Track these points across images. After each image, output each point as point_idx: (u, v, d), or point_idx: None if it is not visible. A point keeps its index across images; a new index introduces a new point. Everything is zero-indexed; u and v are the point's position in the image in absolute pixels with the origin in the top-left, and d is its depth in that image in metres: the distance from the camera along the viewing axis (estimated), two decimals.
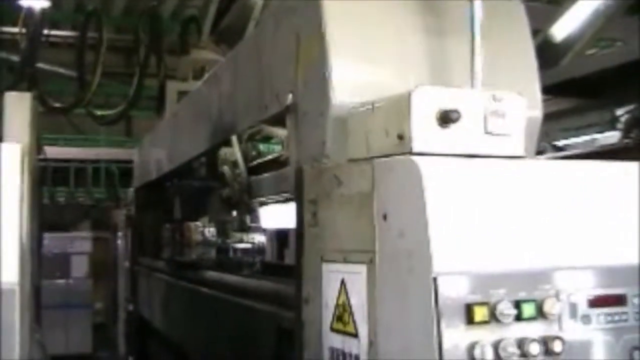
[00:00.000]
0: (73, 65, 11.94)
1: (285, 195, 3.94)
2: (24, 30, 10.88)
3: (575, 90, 3.08)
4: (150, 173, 7.04)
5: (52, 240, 12.84)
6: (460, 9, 2.73)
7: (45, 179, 14.59)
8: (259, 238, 4.58)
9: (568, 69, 3.09)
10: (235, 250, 4.68)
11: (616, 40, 4.23)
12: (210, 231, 5.05)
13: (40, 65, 11.45)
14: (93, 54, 9.72)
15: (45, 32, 11.56)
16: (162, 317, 6.55)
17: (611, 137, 4.14)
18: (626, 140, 3.86)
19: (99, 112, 10.43)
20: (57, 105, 9.99)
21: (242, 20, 6.37)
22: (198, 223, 5.30)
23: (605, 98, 3.89)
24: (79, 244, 15.14)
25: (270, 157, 4.73)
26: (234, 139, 4.45)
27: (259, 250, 4.54)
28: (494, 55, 2.83)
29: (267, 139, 4.68)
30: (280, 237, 4.75)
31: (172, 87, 7.15)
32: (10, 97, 2.70)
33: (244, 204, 4.56)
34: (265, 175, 4.32)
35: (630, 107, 3.96)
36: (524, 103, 2.38)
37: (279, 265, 4.40)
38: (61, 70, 14.51)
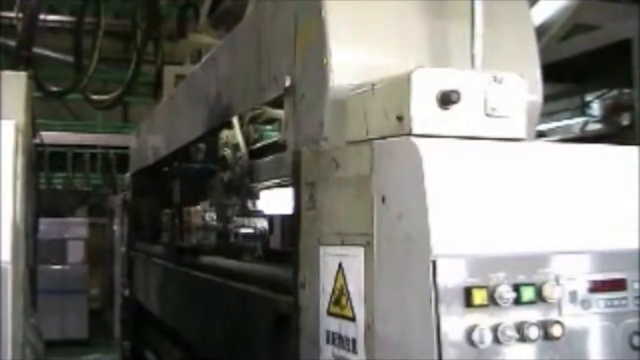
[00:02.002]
0: (71, 50, 11.90)
1: (286, 179, 3.91)
2: (20, 15, 10.82)
3: (548, 75, 3.08)
4: (147, 158, 7.02)
5: (48, 226, 12.78)
6: None
7: (42, 164, 14.54)
8: (261, 223, 4.53)
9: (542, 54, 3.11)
10: (236, 234, 4.64)
11: (591, 26, 4.22)
12: (210, 215, 5.01)
13: (38, 50, 11.40)
14: (90, 40, 9.68)
15: (43, 17, 11.49)
16: (158, 302, 6.54)
17: (577, 123, 4.15)
18: (600, 127, 3.87)
19: (95, 97, 10.38)
20: (54, 89, 9.93)
21: (240, 4, 6.32)
22: (197, 207, 5.28)
23: (576, 83, 3.90)
24: (75, 230, 15.11)
25: (272, 139, 4.69)
26: (235, 121, 4.40)
27: (260, 235, 4.50)
28: (495, 38, 2.82)
29: (270, 121, 4.63)
30: (282, 221, 4.69)
31: (170, 71, 7.12)
32: (5, 76, 2.67)
33: (246, 187, 4.52)
34: (266, 158, 4.29)
35: (602, 92, 3.96)
36: (525, 85, 2.35)
37: (281, 250, 4.36)
38: (58, 55, 14.44)
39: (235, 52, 4.04)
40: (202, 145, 5.55)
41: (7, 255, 1.96)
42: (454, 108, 2.22)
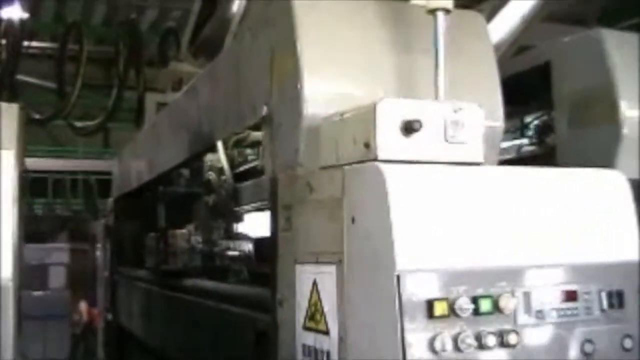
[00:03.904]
0: (52, 76, 12.02)
1: (265, 202, 4.05)
2: (3, 42, 10.95)
3: None
4: (129, 183, 7.15)
5: (30, 252, 12.84)
6: (426, 27, 2.87)
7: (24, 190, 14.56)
8: (244, 245, 4.64)
9: None
10: (220, 257, 4.75)
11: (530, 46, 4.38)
12: (194, 238, 5.12)
13: (19, 76, 11.53)
14: (72, 66, 9.79)
15: (25, 43, 11.62)
16: (142, 325, 6.64)
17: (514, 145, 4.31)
18: (533, 148, 4.05)
19: (78, 124, 10.50)
20: (37, 116, 10.07)
21: (220, 33, 6.50)
22: (181, 230, 5.39)
23: (515, 104, 4.09)
24: (56, 255, 15.18)
25: (255, 163, 4.79)
26: (220, 145, 4.54)
27: (243, 256, 4.61)
28: (458, 68, 3.02)
29: (254, 144, 4.75)
30: (263, 243, 4.82)
31: (151, 99, 7.29)
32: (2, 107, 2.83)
33: (230, 210, 4.64)
34: (249, 182, 4.45)
35: (539, 114, 4.14)
36: (481, 113, 2.54)
37: (262, 271, 4.51)
38: (39, 81, 14.56)
39: (216, 82, 4.21)
40: (185, 171, 5.68)
41: (8, 273, 2.12)
42: (416, 136, 2.41)
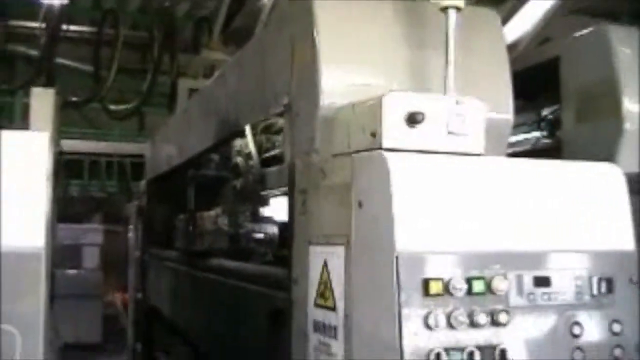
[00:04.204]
0: (88, 59, 12.28)
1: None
2: (43, 25, 11.21)
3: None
4: (161, 166, 7.38)
5: (64, 232, 13.09)
6: (440, 24, 3.01)
7: (59, 171, 14.84)
8: (269, 227, 4.81)
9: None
10: (246, 238, 4.93)
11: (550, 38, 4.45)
12: (221, 221, 5.30)
13: (57, 59, 11.78)
14: (108, 50, 10.01)
15: (64, 27, 11.86)
16: (169, 304, 6.88)
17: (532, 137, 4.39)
18: (547, 141, 4.15)
19: (112, 107, 10.75)
20: (73, 99, 10.34)
21: (250, 23, 6.70)
22: (209, 213, 5.57)
23: (530, 98, 4.19)
24: (90, 236, 15.38)
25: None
26: (248, 131, 4.72)
27: (267, 238, 4.77)
28: (470, 63, 3.17)
29: (281, 131, 4.88)
30: (284, 226, 4.98)
31: (184, 85, 7.51)
32: (36, 92, 3.04)
33: (256, 194, 4.82)
34: (274, 167, 4.62)
35: (552, 107, 4.22)
36: (483, 107, 2.71)
37: (283, 253, 4.70)
38: (76, 64, 14.85)
39: (242, 71, 4.40)
40: (214, 155, 5.86)
41: (41, 242, 2.32)
42: (419, 127, 2.58)
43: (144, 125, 19.93)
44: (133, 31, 15.54)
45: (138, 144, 16.33)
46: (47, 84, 9.52)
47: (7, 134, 2.28)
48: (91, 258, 15.15)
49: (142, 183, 9.40)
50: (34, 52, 12.74)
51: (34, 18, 12.46)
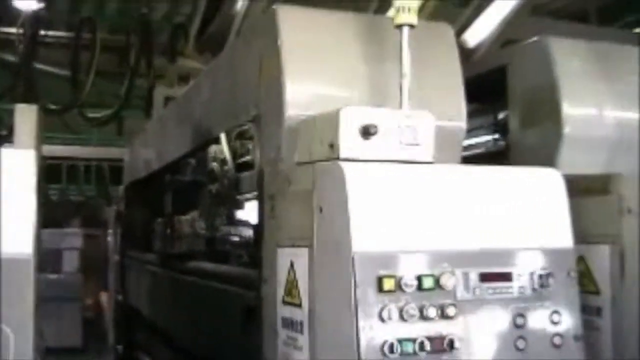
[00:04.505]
0: (64, 64, 12.39)
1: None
2: (21, 31, 11.31)
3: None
4: (139, 171, 7.56)
5: (44, 236, 13.15)
6: (397, 37, 3.26)
7: (41, 180, 14.90)
8: (243, 230, 5.02)
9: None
10: (221, 241, 5.13)
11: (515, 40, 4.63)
12: (197, 224, 5.49)
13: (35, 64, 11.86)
14: (85, 54, 10.11)
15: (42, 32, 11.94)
16: (149, 305, 7.06)
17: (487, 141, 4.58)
18: (503, 143, 4.36)
19: (91, 115, 10.86)
20: (53, 107, 10.47)
21: (224, 31, 6.90)
22: (185, 217, 5.77)
23: (488, 102, 4.39)
24: (70, 240, 15.47)
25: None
26: (223, 137, 4.92)
27: (242, 241, 4.98)
28: (426, 74, 3.41)
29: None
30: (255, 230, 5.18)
31: (160, 92, 7.71)
32: (20, 108, 3.26)
33: (231, 198, 4.98)
34: (247, 173, 4.83)
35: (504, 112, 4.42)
36: (432, 119, 2.95)
37: (254, 255, 4.91)
38: (53, 69, 14.92)
39: (216, 81, 4.62)
40: (190, 160, 6.06)
41: (30, 249, 2.54)
42: (373, 138, 2.82)
43: (123, 130, 20.02)
44: (110, 35, 15.67)
45: (117, 148, 16.46)
46: (27, 90, 9.64)
47: (4, 152, 2.51)
48: (71, 262, 15.25)
49: (121, 188, 9.57)
50: (11, 58, 12.86)
51: (10, 24, 12.57)
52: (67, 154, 17.56)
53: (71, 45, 11.17)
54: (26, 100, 9.76)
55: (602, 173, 3.51)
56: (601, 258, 3.32)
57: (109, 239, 11.99)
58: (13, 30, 12.69)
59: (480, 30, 5.33)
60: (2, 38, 14.12)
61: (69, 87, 11.29)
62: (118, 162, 14.41)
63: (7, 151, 2.57)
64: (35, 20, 10.73)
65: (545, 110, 3.87)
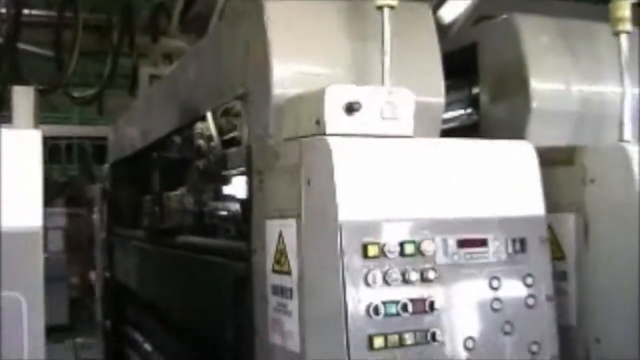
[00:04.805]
0: (44, 43, 12.35)
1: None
2: (3, 11, 11.26)
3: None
4: (125, 149, 7.70)
5: None
6: (378, 18, 3.40)
7: None
8: (229, 205, 5.19)
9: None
10: (208, 215, 5.29)
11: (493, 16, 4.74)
12: (186, 200, 5.63)
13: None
14: (66, 33, 10.08)
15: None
16: (137, 280, 7.21)
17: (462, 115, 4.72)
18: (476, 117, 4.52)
19: (75, 94, 10.88)
20: (39, 88, 10.46)
21: (208, 11, 7.01)
22: (173, 193, 5.90)
23: (464, 77, 4.50)
24: (54, 219, 15.50)
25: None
26: (209, 115, 5.07)
27: (227, 215, 5.14)
28: (406, 52, 3.57)
29: (240, 114, 5.12)
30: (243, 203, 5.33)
31: (145, 72, 7.84)
32: (18, 90, 3.42)
33: (218, 174, 5.05)
34: (233, 149, 4.99)
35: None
36: (412, 95, 3.13)
37: (242, 227, 5.07)
38: (34, 48, 14.87)
39: (201, 61, 4.77)
40: (177, 138, 6.19)
41: (39, 222, 2.73)
42: (357, 114, 3.00)
43: (103, 109, 20.01)
44: (89, 14, 15.62)
45: (98, 127, 16.49)
46: (11, 70, 9.66)
47: (8, 132, 2.68)
48: (56, 241, 15.31)
49: (106, 166, 9.67)
50: None
51: None
52: (50, 134, 17.57)
53: (53, 25, 11.15)
54: (10, 81, 9.82)
55: (567, 145, 3.64)
56: (566, 225, 3.49)
57: (95, 217, 12.08)
58: None
59: (455, 6, 5.49)
60: None
61: (49, 66, 11.29)
62: (100, 140, 14.42)
63: (14, 132, 2.74)
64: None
65: (514, 86, 4.02)
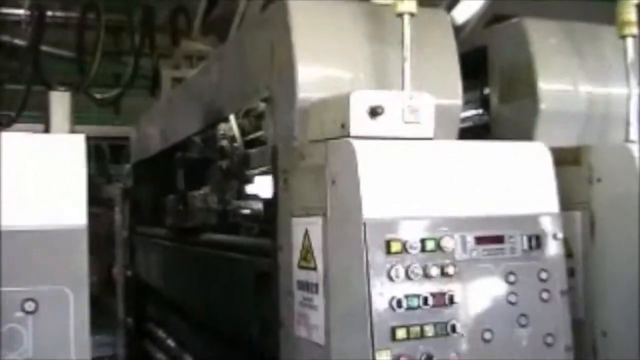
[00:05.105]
0: (62, 44, 12.47)
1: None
2: (28, 13, 11.40)
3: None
4: (148, 150, 7.85)
5: None
6: (399, 23, 3.52)
7: None
8: (253, 203, 5.19)
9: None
10: (232, 214, 5.42)
11: (509, 16, 4.79)
12: (209, 199, 5.70)
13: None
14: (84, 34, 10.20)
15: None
16: (160, 278, 7.32)
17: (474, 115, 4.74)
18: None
19: (93, 94, 11.00)
20: (61, 90, 10.61)
21: (230, 13, 7.16)
22: (197, 192, 6.00)
23: (472, 78, 4.47)
24: None
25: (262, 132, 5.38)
26: (232, 116, 5.22)
27: (251, 213, 5.17)
28: (425, 57, 3.71)
29: (262, 115, 5.27)
30: (268, 202, 5.45)
31: (167, 74, 8.01)
32: (54, 95, 3.60)
33: (241, 174, 5.21)
34: (256, 149, 5.05)
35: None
36: (432, 100, 3.28)
37: (266, 225, 5.20)
38: (55, 50, 15.03)
39: (225, 64, 4.92)
40: (201, 138, 6.35)
41: (84, 220, 2.91)
42: (379, 118, 3.15)
43: (120, 109, 20.14)
44: (108, 14, 15.74)
45: (115, 127, 16.58)
46: (34, 72, 9.81)
47: (56, 137, 2.86)
48: None
49: (127, 166, 9.78)
50: (10, 39, 12.97)
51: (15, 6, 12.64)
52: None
53: (73, 26, 11.27)
54: (34, 82, 10.00)
55: (574, 145, 3.75)
56: (574, 223, 3.62)
57: (116, 216, 12.15)
58: (16, 11, 12.81)
59: (468, 7, 5.60)
60: (2, 20, 14.23)
61: (64, 66, 11.41)
62: (117, 140, 14.46)
63: (61, 136, 2.93)
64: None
65: (522, 87, 4.14)
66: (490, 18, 5.35)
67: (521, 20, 4.23)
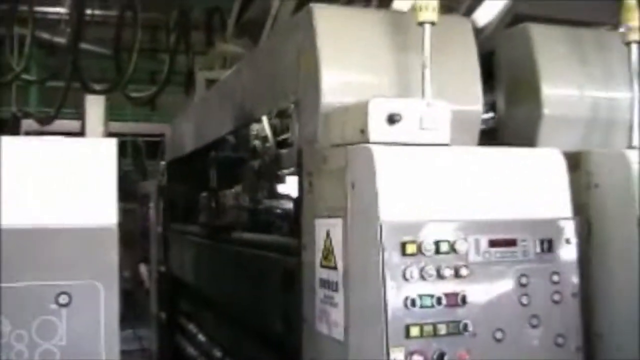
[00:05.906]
0: (98, 41, 12.71)
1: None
2: (67, 11, 11.60)
3: None
4: (182, 148, 8.04)
5: None
6: (419, 30, 3.61)
7: None
8: (281, 203, 5.34)
9: None
10: (261, 213, 5.58)
11: (531, 17, 4.77)
12: (241, 197, 5.84)
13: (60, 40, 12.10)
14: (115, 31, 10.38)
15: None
16: (192, 274, 7.50)
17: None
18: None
19: (130, 92, 11.21)
20: (97, 88, 10.86)
21: (262, 15, 7.31)
22: (229, 190, 6.14)
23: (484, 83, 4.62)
24: None
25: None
26: (264, 117, 5.32)
27: (280, 213, 5.33)
28: (445, 63, 3.81)
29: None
30: (294, 202, 5.57)
31: (201, 76, 8.21)
32: (90, 99, 3.79)
33: (272, 174, 5.35)
34: (287, 150, 5.18)
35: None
36: (448, 107, 3.40)
37: (292, 225, 5.31)
38: (93, 47, 15.27)
39: (256, 69, 5.07)
40: (233, 139, 6.52)
41: (115, 219, 3.10)
42: (397, 125, 3.28)
43: (155, 106, 20.40)
44: (144, 13, 15.96)
45: (152, 124, 16.87)
46: (73, 70, 10.03)
47: (89, 140, 3.06)
48: None
49: (162, 164, 9.96)
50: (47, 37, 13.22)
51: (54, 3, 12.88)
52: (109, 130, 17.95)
53: (110, 24, 11.47)
54: (73, 80, 10.23)
55: (573, 151, 3.79)
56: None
57: (151, 212, 12.33)
58: (56, 10, 13.08)
59: (490, 9, 5.65)
60: (40, 18, 14.51)
61: (105, 64, 11.61)
62: (152, 137, 14.63)
63: (94, 140, 3.12)
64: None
65: (527, 92, 4.20)
66: (512, 19, 5.38)
67: (526, 25, 4.31)
